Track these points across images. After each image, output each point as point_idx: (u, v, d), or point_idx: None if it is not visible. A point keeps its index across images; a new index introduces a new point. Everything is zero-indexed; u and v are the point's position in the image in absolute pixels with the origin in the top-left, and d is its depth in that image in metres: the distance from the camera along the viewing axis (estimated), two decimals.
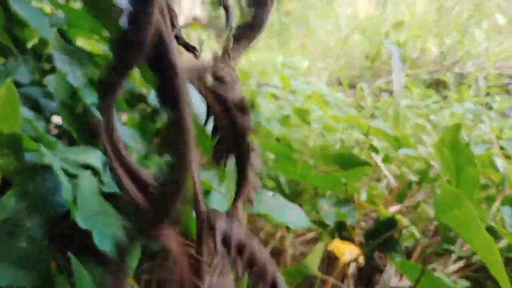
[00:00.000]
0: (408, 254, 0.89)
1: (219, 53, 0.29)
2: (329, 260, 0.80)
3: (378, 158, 0.91)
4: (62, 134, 0.65)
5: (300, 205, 0.95)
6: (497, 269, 0.48)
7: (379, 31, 3.01)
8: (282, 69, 2.50)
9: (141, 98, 1.05)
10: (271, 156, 0.91)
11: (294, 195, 0.95)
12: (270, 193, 0.63)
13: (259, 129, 1.17)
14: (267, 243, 0.89)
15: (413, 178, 0.94)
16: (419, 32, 2.82)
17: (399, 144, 0.87)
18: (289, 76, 2.42)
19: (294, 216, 0.60)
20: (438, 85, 2.49)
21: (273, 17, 3.94)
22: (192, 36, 2.68)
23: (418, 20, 3.32)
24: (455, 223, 0.51)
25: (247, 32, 0.33)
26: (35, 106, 0.65)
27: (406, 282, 0.79)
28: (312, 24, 3.62)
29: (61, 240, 0.45)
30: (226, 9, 0.31)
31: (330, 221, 0.73)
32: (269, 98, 1.27)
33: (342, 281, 0.79)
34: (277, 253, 0.88)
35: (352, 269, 0.80)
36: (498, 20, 3.05)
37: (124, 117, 0.84)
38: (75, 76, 0.58)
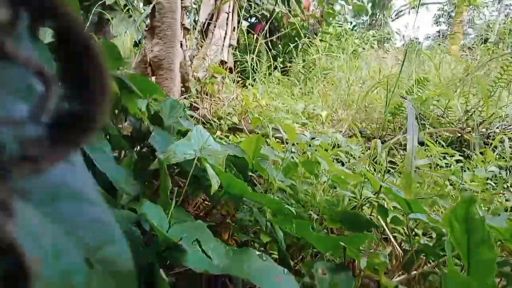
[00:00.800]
0: None
1: None
2: None
3: (386, 221, 0.84)
4: None
5: (297, 264, 0.88)
6: None
7: (402, 86, 2.99)
8: (301, 117, 2.49)
9: (145, 137, 1.03)
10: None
11: (292, 252, 0.88)
12: (258, 252, 0.57)
13: (264, 178, 1.13)
14: None
15: (423, 243, 0.86)
16: (443, 90, 2.77)
17: (410, 209, 0.80)
18: (307, 124, 2.39)
19: (282, 283, 0.54)
20: (461, 143, 2.41)
21: (298, 66, 4.00)
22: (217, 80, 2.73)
23: (444, 78, 3.29)
24: None
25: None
26: None
27: None
28: (335, 75, 3.65)
29: None
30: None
31: None
32: (279, 147, 1.23)
33: None
34: None
35: None
36: None
37: None
38: None
